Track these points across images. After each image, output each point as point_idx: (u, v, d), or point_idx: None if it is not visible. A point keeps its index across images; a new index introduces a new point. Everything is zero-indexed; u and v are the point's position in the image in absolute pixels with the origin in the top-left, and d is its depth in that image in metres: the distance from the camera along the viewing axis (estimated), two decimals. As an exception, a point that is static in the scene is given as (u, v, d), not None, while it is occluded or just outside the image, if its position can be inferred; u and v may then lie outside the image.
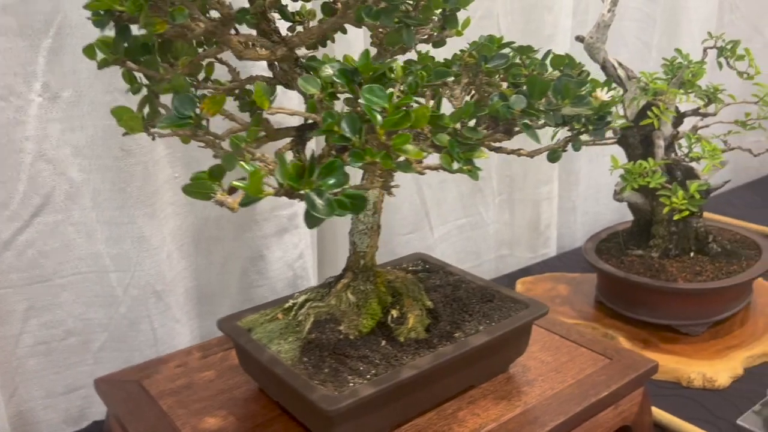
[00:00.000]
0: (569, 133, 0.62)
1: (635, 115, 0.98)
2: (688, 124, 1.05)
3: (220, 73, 0.66)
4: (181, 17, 0.44)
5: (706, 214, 1.51)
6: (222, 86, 0.65)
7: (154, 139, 0.57)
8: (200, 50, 0.60)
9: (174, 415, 0.64)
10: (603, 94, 0.55)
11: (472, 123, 0.54)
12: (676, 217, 0.87)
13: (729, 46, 0.97)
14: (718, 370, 0.91)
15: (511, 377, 0.69)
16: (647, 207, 1.03)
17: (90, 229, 0.84)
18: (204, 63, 0.64)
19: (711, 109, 0.99)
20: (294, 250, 0.97)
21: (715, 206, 1.59)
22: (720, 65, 0.99)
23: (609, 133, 1.00)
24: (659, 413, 0.83)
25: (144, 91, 0.58)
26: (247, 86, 0.65)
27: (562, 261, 1.35)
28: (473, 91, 0.58)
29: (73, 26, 0.76)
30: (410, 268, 0.78)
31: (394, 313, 0.64)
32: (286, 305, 0.66)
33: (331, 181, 0.39)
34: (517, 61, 0.56)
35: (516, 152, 0.61)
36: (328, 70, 0.47)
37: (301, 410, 0.60)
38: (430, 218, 1.21)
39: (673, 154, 1.00)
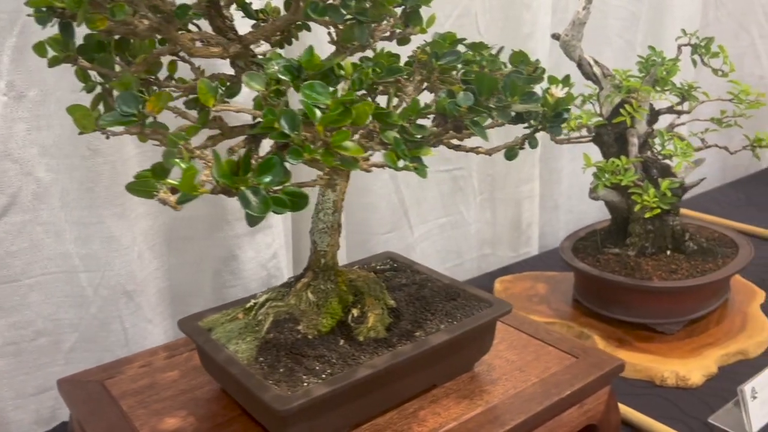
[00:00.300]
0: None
1: (610, 113, 0.98)
2: (665, 121, 1.05)
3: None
4: (121, 14, 0.44)
5: (688, 212, 1.51)
6: (185, 84, 0.64)
7: (108, 137, 0.57)
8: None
9: (134, 415, 0.63)
10: (558, 91, 0.55)
11: (427, 121, 0.54)
12: (647, 215, 0.87)
13: (703, 43, 0.96)
14: (692, 368, 0.90)
15: (476, 376, 0.69)
16: (623, 205, 1.02)
17: (59, 229, 0.84)
18: (165, 61, 0.64)
19: (685, 106, 0.99)
20: (267, 250, 0.97)
21: (699, 204, 1.59)
22: (694, 63, 0.98)
23: (584, 132, 1.00)
24: (630, 412, 0.83)
25: (99, 89, 0.58)
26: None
27: (543, 260, 1.34)
28: (433, 89, 0.58)
29: (37, 25, 0.76)
30: (378, 267, 0.77)
31: (355, 312, 0.63)
32: (248, 305, 0.66)
33: (268, 179, 0.39)
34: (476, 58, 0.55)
35: (474, 150, 0.61)
36: (274, 67, 0.46)
37: (257, 410, 0.59)
38: (410, 217, 1.20)
39: (649, 152, 1.00)
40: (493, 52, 0.58)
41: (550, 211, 1.47)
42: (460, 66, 0.56)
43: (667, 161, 0.99)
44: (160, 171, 0.44)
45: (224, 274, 0.96)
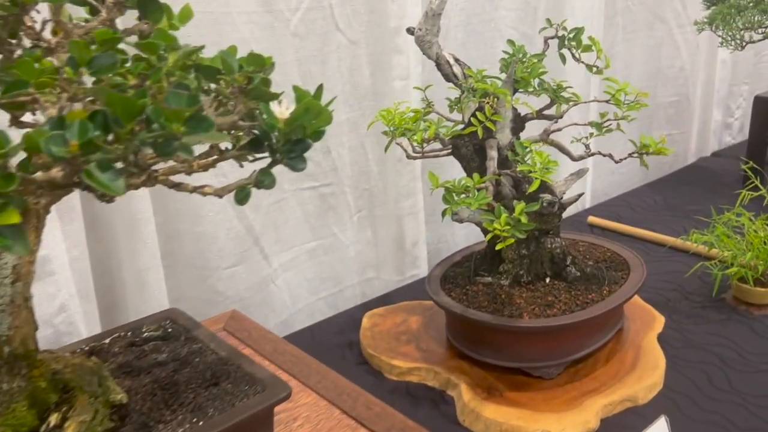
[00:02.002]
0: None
1: (468, 121, 0.82)
2: (540, 128, 0.90)
3: None
4: None
5: (596, 219, 1.38)
6: None
7: None
8: None
9: None
10: (283, 110, 0.39)
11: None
12: (498, 246, 0.71)
13: (572, 35, 0.81)
14: (567, 425, 0.75)
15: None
16: (493, 227, 0.87)
17: None
18: None
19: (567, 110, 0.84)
20: (51, 303, 0.78)
21: (610, 210, 1.46)
22: (563, 58, 0.83)
23: (438, 144, 0.85)
24: (482, 493, 0.67)
25: None
26: None
27: (431, 284, 1.18)
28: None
29: None
30: (146, 334, 0.60)
31: (53, 419, 0.46)
32: None
33: None
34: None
35: (200, 190, 0.44)
36: None
37: None
38: (263, 245, 1.03)
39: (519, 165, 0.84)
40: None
41: (444, 227, 1.31)
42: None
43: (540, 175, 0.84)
44: None
45: (-6, 336, 0.77)
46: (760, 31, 1.20)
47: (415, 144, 0.82)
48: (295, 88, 0.43)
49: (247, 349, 0.71)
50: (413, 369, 0.88)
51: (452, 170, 1.09)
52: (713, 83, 1.90)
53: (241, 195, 0.42)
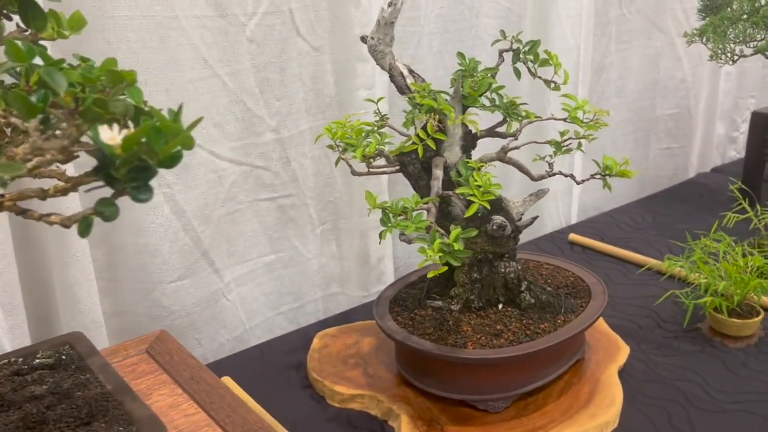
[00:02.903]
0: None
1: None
2: (497, 145, 0.85)
3: None
4: None
5: (577, 237, 1.32)
6: None
7: None
8: None
9: None
10: (115, 134, 0.34)
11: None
12: (430, 275, 0.66)
13: (527, 48, 0.76)
14: (506, 465, 0.71)
15: None
16: (444, 249, 0.82)
17: None
18: None
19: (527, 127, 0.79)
20: (-29, 317, 0.75)
21: (594, 226, 1.40)
22: (518, 72, 0.78)
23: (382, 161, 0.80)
24: None
25: None
26: None
27: (396, 301, 1.14)
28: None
29: None
30: (37, 361, 0.56)
31: None
32: None
33: None
34: None
35: (46, 219, 0.40)
36: None
37: None
38: (213, 258, 0.99)
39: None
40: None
41: (415, 240, 1.26)
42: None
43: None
44: None
45: None
46: (751, 44, 1.14)
47: (358, 160, 0.78)
48: (150, 108, 0.39)
49: (164, 375, 0.67)
50: (356, 396, 0.84)
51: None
52: (717, 96, 1.83)
53: (84, 225, 0.38)
